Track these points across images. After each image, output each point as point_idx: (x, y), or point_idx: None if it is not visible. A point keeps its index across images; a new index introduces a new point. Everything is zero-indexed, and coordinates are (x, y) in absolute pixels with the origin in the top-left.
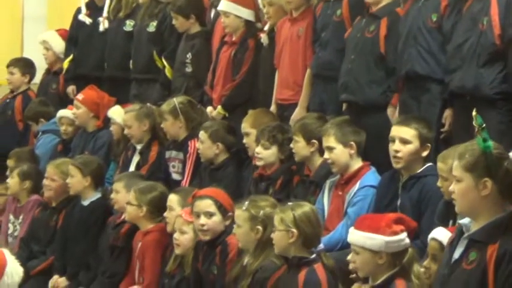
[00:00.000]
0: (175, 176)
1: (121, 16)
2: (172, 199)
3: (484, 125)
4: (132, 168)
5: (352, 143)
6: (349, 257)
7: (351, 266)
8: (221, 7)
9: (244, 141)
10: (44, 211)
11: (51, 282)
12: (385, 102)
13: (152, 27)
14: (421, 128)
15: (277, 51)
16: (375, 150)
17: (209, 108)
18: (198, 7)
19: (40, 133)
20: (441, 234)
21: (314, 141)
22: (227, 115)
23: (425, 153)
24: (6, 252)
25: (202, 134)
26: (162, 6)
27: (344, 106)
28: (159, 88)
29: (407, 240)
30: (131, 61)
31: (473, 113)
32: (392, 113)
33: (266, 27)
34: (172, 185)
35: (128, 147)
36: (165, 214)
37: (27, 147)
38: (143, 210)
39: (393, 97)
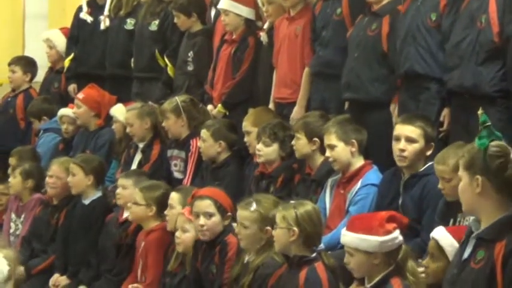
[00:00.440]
0: (177, 175)
1: (122, 14)
2: (174, 197)
3: (489, 123)
4: (134, 166)
5: (353, 141)
6: (345, 260)
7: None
8: (221, 5)
9: (245, 139)
10: (45, 209)
11: (51, 281)
12: (388, 100)
13: (154, 26)
14: (426, 126)
15: (276, 50)
16: (377, 148)
17: (209, 107)
18: (199, 5)
19: (41, 131)
20: (439, 233)
21: (316, 139)
22: (227, 113)
23: (429, 152)
24: None
25: (204, 133)
26: (163, 5)
27: (346, 104)
28: (161, 87)
29: (401, 238)
30: (132, 59)
31: (479, 111)
32: (395, 110)
33: (266, 26)
34: (174, 184)
35: (129, 145)
36: (166, 212)
37: (28, 145)
38: (152, 210)
39: (396, 94)
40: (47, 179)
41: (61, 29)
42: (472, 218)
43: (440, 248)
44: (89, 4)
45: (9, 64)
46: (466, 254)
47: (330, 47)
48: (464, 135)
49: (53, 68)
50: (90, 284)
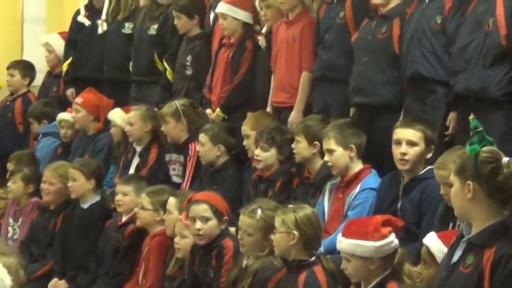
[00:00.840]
0: (176, 179)
1: (120, 18)
2: (171, 202)
3: (480, 128)
4: (131, 170)
5: (352, 145)
6: (342, 266)
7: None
8: (219, 9)
9: (245, 143)
10: (42, 214)
11: (50, 285)
12: (399, 103)
13: (153, 30)
14: (426, 129)
15: (274, 54)
16: (388, 152)
17: (208, 111)
18: (200, 7)
19: (40, 135)
20: (430, 240)
21: (316, 142)
22: (226, 117)
23: (429, 155)
24: None
25: (202, 137)
26: (162, 8)
27: (352, 110)
28: (160, 90)
29: (397, 241)
30: (131, 63)
31: (471, 116)
32: None
33: (264, 30)
34: (173, 188)
35: (128, 149)
36: (164, 217)
37: (27, 150)
38: (160, 214)
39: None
40: (42, 185)
41: (60, 33)
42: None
43: (431, 255)
44: (86, 8)
45: (8, 68)
46: (455, 258)
47: (333, 51)
48: (468, 139)
49: (52, 72)
50: None
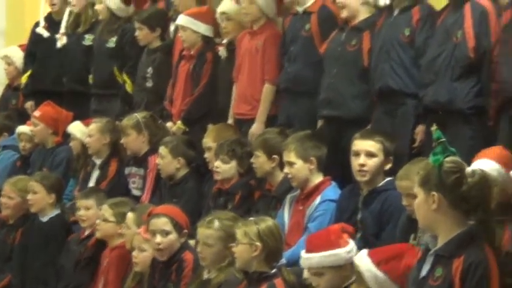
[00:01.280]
0: (135, 192)
1: (80, 31)
2: (129, 217)
3: (443, 139)
4: (91, 183)
5: (312, 158)
6: (305, 275)
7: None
8: (179, 21)
9: (206, 155)
10: (1, 229)
11: None
12: (368, 117)
13: (112, 42)
14: (385, 140)
15: (237, 64)
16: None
17: (169, 124)
18: (162, 20)
19: (1, 148)
20: (358, 258)
21: (275, 156)
22: (187, 130)
23: (388, 166)
24: None
25: (162, 149)
26: (121, 21)
27: (320, 122)
28: (119, 103)
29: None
30: (91, 76)
31: (433, 127)
32: None
33: (224, 41)
34: (133, 201)
35: (87, 162)
36: (123, 231)
37: None
38: (122, 226)
39: None
40: (0, 199)
41: (20, 45)
42: (428, 234)
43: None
44: (46, 19)
45: None
46: (424, 272)
47: (298, 63)
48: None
49: (11, 84)
50: None
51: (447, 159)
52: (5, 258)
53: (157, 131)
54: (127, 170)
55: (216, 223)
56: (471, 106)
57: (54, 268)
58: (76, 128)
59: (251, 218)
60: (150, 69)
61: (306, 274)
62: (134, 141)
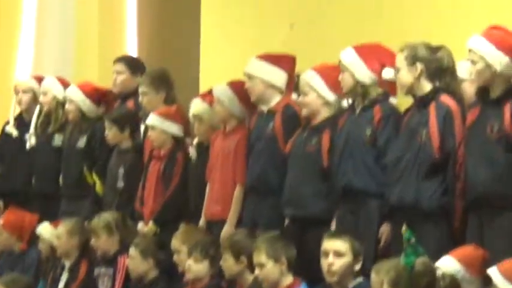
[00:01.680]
0: None
1: (49, 131)
2: None
3: (413, 239)
4: (61, 286)
5: (283, 258)
6: None
7: None
8: (148, 121)
9: (175, 258)
10: None
11: None
12: (329, 217)
13: (82, 142)
14: (354, 240)
15: (210, 164)
16: (319, 265)
17: (140, 224)
18: (133, 121)
19: None
20: None
21: (243, 258)
22: (158, 230)
23: (357, 267)
24: None
25: (132, 250)
26: (91, 121)
27: (286, 221)
28: (89, 204)
29: None
30: (61, 177)
31: (403, 227)
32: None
33: (195, 141)
34: None
35: (56, 264)
36: None
37: None
38: None
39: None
40: None
41: None
42: None
43: None
44: (15, 119)
45: None
46: None
47: (261, 162)
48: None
49: None
50: None
51: (418, 260)
52: None
53: (128, 233)
54: (96, 271)
55: None
56: (437, 206)
57: None
58: (45, 230)
59: None
60: (121, 170)
61: None
62: (105, 243)
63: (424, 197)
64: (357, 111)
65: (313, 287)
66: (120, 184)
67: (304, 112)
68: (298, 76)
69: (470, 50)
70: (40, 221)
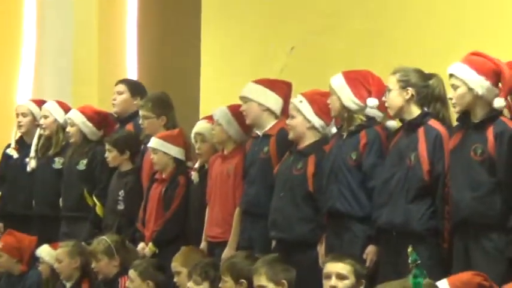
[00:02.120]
0: None
1: (50, 154)
2: None
3: (419, 261)
4: None
5: (283, 281)
6: None
7: None
8: (150, 144)
9: (175, 279)
10: None
11: None
12: (314, 240)
13: (82, 165)
14: (356, 263)
15: (209, 187)
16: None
17: (141, 245)
18: (133, 144)
19: None
20: None
21: (243, 280)
22: (157, 252)
23: None
24: None
25: (131, 273)
26: (92, 144)
27: (273, 243)
28: (89, 226)
29: None
30: (61, 199)
31: (409, 249)
32: (321, 249)
33: (197, 165)
34: None
35: (57, 286)
36: None
37: None
38: None
39: (323, 234)
40: None
41: None
42: None
43: None
44: (17, 141)
45: None
46: None
47: (256, 185)
48: (392, 274)
49: None
50: None
51: (425, 282)
52: None
53: (128, 255)
54: None
55: None
56: (426, 228)
57: None
58: (45, 252)
59: None
60: (121, 192)
61: None
62: (106, 267)
63: (413, 219)
64: (344, 136)
65: None
66: (121, 206)
67: (290, 135)
68: None
69: (451, 75)
70: (40, 242)
